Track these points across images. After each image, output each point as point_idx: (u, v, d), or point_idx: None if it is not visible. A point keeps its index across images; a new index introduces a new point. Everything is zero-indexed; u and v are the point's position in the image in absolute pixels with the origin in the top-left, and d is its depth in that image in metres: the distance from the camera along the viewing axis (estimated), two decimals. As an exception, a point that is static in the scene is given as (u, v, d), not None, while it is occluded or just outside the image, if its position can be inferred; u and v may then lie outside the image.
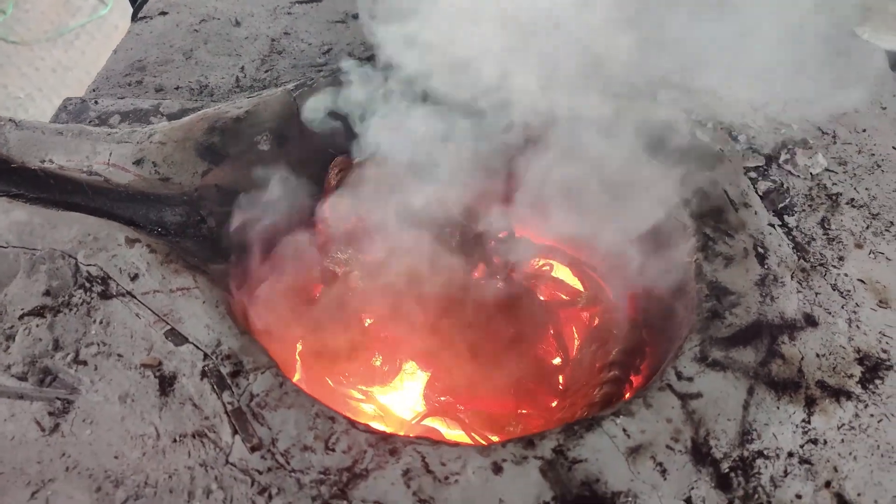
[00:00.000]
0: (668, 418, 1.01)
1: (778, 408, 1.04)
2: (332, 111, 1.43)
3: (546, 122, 1.34)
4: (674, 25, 1.31)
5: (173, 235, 1.28)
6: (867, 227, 1.28)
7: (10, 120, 1.30)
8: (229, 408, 1.00)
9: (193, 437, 0.98)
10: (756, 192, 1.32)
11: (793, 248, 1.24)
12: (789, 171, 1.36)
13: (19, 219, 1.19)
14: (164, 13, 1.79)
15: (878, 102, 1.50)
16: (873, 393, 1.07)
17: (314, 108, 1.42)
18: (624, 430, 1.00)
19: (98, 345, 1.06)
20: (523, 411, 1.35)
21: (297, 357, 1.38)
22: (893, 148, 1.41)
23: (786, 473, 0.98)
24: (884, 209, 1.31)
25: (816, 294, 1.18)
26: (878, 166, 1.38)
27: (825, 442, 1.01)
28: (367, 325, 1.41)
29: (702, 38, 1.31)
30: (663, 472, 0.97)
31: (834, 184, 1.35)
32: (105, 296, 1.11)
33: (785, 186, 1.33)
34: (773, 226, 1.27)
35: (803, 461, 0.99)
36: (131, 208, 1.27)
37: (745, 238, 1.25)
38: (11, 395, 1.01)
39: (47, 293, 1.11)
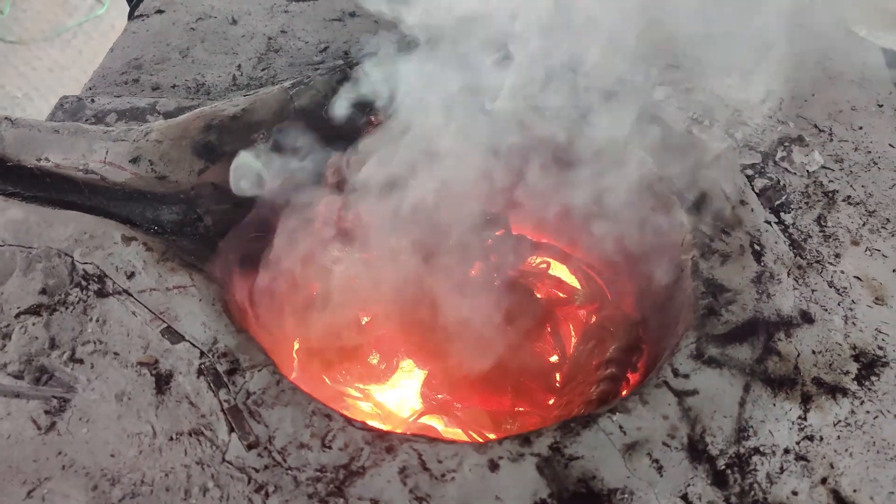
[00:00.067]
0: (665, 415, 1.02)
1: (774, 405, 1.04)
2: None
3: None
4: (671, 22, 1.31)
5: (170, 234, 1.28)
6: (863, 225, 1.28)
7: (6, 118, 1.30)
8: (226, 406, 1.00)
9: (190, 435, 0.98)
10: (752, 189, 1.33)
11: (789, 245, 1.24)
12: (786, 169, 1.36)
13: (15, 217, 1.19)
14: (160, 11, 1.78)
15: (875, 100, 1.50)
16: (869, 389, 1.07)
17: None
18: (620, 427, 1.00)
19: (94, 343, 1.06)
20: (520, 409, 1.35)
21: (294, 355, 1.39)
22: (890, 145, 1.41)
23: (782, 470, 0.98)
24: (880, 206, 1.31)
25: (813, 291, 1.18)
26: (875, 164, 1.38)
27: (821, 438, 1.01)
28: (363, 323, 1.41)
29: (698, 34, 1.31)
30: (659, 468, 0.97)
31: (830, 181, 1.35)
32: (101, 294, 1.11)
33: (781, 184, 1.33)
34: (769, 223, 1.27)
35: (799, 458, 0.99)
36: (128, 206, 1.27)
37: (741, 235, 1.25)
38: (7, 394, 1.01)
39: (43, 291, 1.11)
